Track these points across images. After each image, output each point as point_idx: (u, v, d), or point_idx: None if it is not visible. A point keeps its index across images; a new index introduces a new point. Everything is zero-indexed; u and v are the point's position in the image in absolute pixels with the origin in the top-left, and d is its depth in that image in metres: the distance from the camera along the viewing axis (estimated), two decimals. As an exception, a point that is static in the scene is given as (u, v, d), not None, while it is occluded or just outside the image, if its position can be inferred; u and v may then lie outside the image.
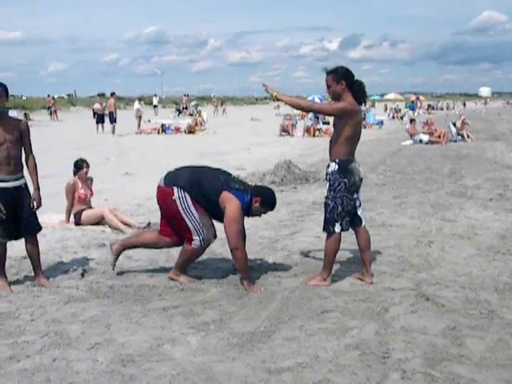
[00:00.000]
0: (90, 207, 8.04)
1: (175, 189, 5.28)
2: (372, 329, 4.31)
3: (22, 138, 5.20)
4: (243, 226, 5.42)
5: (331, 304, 4.83)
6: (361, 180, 5.35)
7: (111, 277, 5.62)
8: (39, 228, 5.49)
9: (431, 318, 4.52)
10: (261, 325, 4.38)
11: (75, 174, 8.02)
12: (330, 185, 5.25)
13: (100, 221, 7.87)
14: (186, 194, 5.26)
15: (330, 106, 5.40)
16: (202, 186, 5.31)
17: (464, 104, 76.43)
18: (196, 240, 5.35)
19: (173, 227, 5.51)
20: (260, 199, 5.42)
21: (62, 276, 5.65)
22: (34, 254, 5.42)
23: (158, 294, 5.12)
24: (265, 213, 5.62)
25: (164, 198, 5.39)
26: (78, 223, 7.83)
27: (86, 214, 7.87)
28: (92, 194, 8.17)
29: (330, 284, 5.33)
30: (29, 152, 5.34)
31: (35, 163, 5.40)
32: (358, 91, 5.22)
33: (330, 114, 5.47)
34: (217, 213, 5.36)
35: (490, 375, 3.60)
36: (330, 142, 5.31)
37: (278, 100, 5.27)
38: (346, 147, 5.18)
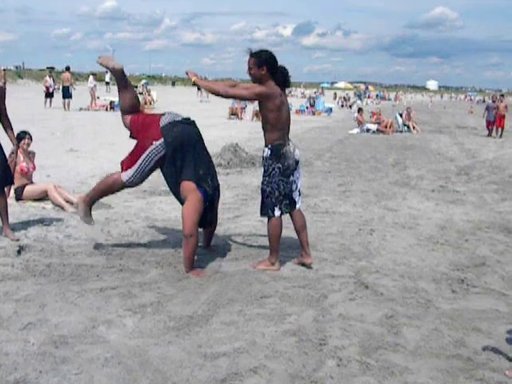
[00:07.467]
0: (32, 182, 7.81)
1: (161, 140, 5.29)
2: (310, 315, 4.31)
3: None
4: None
5: (271, 289, 4.81)
6: (296, 163, 5.33)
7: (49, 255, 5.47)
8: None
9: (369, 305, 4.56)
10: (199, 308, 4.33)
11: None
12: (264, 170, 5.32)
13: (42, 197, 7.64)
14: (163, 150, 5.28)
15: (245, 91, 5.24)
16: (181, 161, 5.29)
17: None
18: (127, 175, 5.38)
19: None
20: None
21: (-4, 253, 5.47)
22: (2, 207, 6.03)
23: (96, 274, 5.01)
24: None
25: (149, 129, 5.42)
26: (19, 198, 7.58)
27: (28, 189, 7.62)
28: (34, 168, 7.92)
29: (279, 268, 5.33)
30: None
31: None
32: (281, 77, 5.13)
33: (246, 99, 5.42)
34: (173, 186, 5.43)
35: (423, 364, 3.65)
36: (262, 127, 5.28)
37: (195, 85, 5.25)
38: (275, 132, 5.16)
